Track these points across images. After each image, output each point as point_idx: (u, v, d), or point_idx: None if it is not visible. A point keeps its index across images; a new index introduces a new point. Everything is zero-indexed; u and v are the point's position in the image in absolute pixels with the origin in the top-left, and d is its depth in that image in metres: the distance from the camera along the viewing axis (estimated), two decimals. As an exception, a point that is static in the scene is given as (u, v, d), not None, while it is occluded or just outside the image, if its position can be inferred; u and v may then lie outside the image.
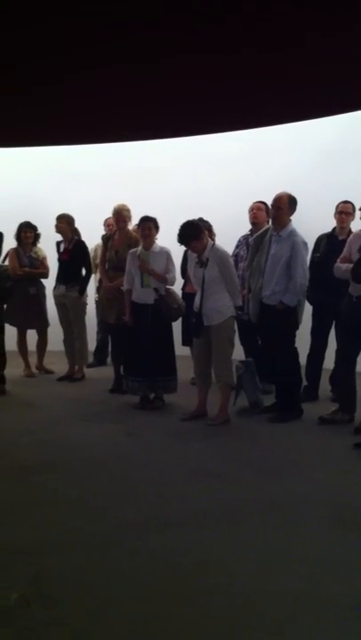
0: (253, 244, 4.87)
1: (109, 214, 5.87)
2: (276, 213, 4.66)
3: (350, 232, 4.99)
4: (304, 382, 5.11)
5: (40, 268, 6.36)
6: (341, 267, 4.52)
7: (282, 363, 4.68)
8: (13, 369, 6.06)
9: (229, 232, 5.74)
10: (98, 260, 6.03)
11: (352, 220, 5.14)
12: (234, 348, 4.86)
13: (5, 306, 5.76)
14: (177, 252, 5.23)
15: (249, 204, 5.64)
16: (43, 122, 5.90)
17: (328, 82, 4.87)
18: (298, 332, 4.79)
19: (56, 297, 6.21)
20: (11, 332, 6.06)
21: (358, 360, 4.71)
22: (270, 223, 4.87)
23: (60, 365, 6.47)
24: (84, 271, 6.13)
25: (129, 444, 4.21)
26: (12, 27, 3.70)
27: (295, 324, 4.77)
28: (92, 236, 6.31)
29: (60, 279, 6.17)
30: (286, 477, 3.53)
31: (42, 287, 6.42)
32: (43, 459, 3.84)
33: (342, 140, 6.50)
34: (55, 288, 6.22)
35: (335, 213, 5.24)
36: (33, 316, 6.34)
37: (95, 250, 6.45)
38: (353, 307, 4.42)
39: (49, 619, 2.14)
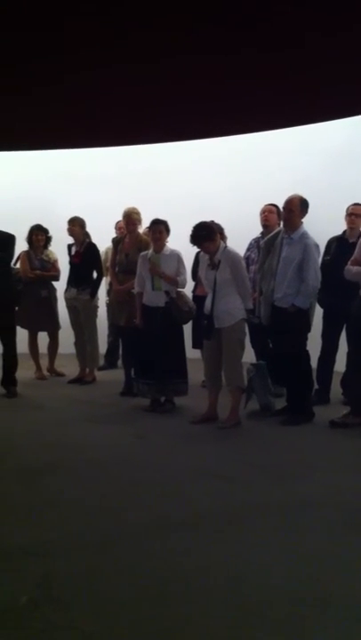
0: (265, 247, 4.86)
1: (119, 217, 5.89)
2: (287, 216, 4.65)
3: (361, 235, 4.98)
4: (315, 385, 5.09)
5: (51, 270, 6.39)
6: (352, 269, 4.50)
7: (293, 365, 4.66)
8: (25, 371, 6.09)
9: (240, 234, 5.72)
10: (108, 263, 6.05)
11: (362, 222, 5.11)
12: (245, 350, 4.85)
13: (17, 308, 5.80)
14: (188, 254, 5.24)
15: (259, 206, 5.62)
16: (43, 123, 5.89)
17: (329, 83, 4.84)
18: (309, 335, 4.77)
19: (67, 300, 6.23)
20: (22, 334, 6.11)
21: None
22: (282, 226, 4.86)
23: (70, 368, 6.49)
24: (95, 274, 6.15)
25: (139, 447, 4.21)
26: (12, 27, 3.70)
27: (307, 327, 4.75)
28: (101, 239, 6.32)
29: (71, 282, 6.20)
30: (296, 480, 3.51)
31: (53, 290, 6.45)
32: (52, 461, 3.85)
33: (351, 143, 6.49)
34: (66, 291, 6.24)
35: (345, 216, 5.21)
36: (44, 319, 6.36)
37: (106, 253, 6.48)
38: (364, 309, 4.40)
39: (59, 621, 2.14)
